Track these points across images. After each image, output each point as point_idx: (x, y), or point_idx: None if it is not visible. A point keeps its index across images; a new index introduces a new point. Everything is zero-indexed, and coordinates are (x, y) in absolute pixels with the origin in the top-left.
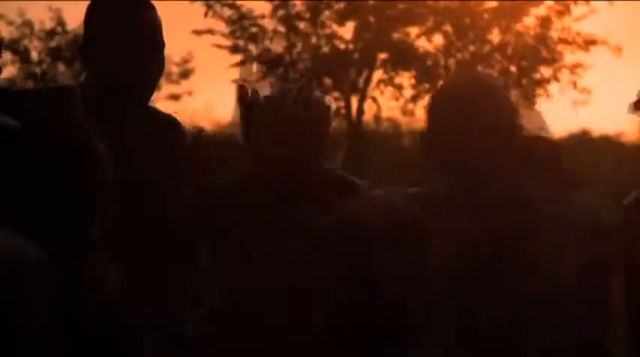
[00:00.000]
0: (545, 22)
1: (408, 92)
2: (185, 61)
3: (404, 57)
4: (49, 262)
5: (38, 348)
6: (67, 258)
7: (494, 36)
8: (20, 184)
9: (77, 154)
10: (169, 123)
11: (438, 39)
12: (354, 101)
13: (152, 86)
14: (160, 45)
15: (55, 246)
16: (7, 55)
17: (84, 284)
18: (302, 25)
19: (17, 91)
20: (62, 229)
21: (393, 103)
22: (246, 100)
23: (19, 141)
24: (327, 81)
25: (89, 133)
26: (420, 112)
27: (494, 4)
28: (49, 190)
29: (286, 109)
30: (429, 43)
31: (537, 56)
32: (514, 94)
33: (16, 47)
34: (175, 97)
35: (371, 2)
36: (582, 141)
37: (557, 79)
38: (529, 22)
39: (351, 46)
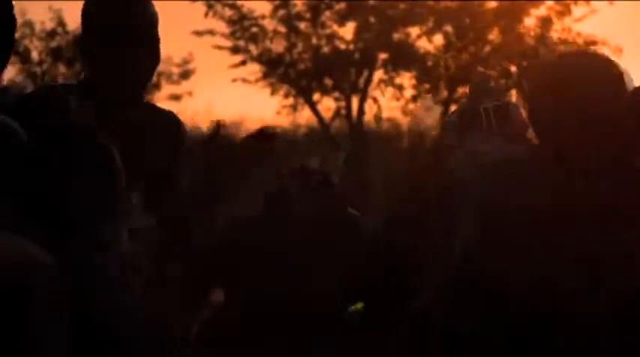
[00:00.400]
0: (545, 23)
1: (409, 92)
2: (186, 61)
3: (404, 57)
4: (58, 264)
5: (52, 349)
6: (76, 259)
7: (495, 36)
8: (33, 186)
9: (103, 159)
10: (169, 119)
11: (439, 39)
12: (355, 101)
13: (148, 80)
14: (156, 38)
15: (65, 247)
16: None
17: (93, 285)
18: (302, 26)
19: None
20: (73, 231)
21: (394, 103)
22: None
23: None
24: (328, 81)
25: (107, 142)
26: (420, 112)
27: (494, 4)
28: (65, 194)
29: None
30: (429, 44)
31: (537, 57)
32: (514, 94)
33: (16, 48)
34: (176, 98)
35: (371, 2)
36: None
37: None
38: (529, 22)
39: (351, 47)
